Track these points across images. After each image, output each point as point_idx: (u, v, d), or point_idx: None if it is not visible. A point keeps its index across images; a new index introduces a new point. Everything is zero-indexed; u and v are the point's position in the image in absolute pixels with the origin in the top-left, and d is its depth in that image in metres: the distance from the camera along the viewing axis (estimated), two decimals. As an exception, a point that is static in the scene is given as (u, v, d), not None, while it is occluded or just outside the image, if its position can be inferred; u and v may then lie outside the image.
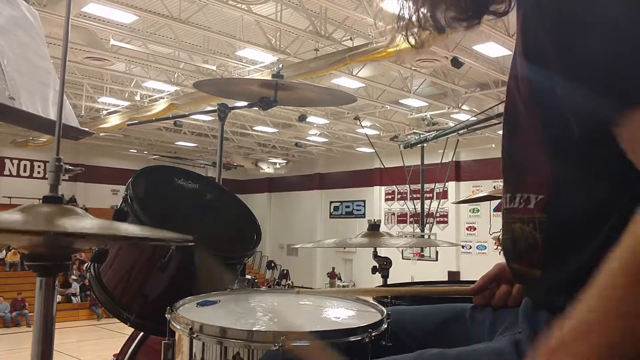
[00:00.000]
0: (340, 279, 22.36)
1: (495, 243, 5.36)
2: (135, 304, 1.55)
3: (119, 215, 1.53)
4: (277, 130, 18.59)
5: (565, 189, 0.75)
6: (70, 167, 1.02)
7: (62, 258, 0.95)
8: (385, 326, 1.15)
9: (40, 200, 0.99)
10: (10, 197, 20.11)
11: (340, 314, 1.34)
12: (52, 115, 1.45)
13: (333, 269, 22.71)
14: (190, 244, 1.45)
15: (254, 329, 1.11)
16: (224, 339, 1.08)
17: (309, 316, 1.34)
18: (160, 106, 14.18)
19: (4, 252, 18.67)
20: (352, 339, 1.08)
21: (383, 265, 2.06)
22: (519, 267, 0.85)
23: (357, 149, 21.01)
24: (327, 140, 20.29)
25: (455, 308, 1.20)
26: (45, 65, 1.57)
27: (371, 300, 1.43)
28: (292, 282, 22.26)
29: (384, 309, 1.24)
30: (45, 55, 1.58)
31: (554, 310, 0.76)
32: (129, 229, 1.21)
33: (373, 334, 1.10)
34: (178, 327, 1.16)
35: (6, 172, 21.57)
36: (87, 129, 1.65)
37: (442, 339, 1.06)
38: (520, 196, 0.82)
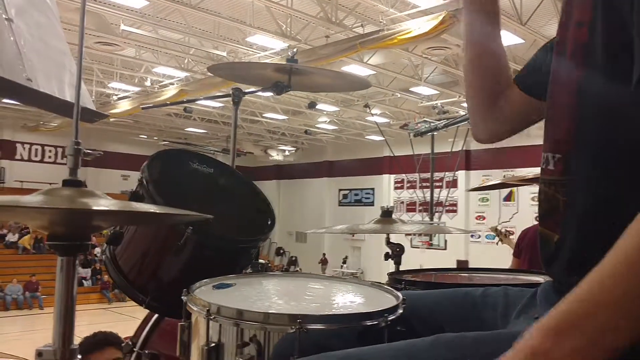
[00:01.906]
0: (345, 263, 22.46)
1: (495, 235, 5.32)
2: (150, 286, 1.56)
3: (135, 198, 1.54)
4: (287, 118, 18.56)
5: (585, 149, 0.75)
6: (89, 151, 1.03)
7: (82, 238, 0.96)
8: (401, 311, 1.15)
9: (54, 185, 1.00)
10: (22, 181, 20.28)
11: (355, 299, 1.34)
12: (67, 96, 1.45)
13: (324, 254, 22.84)
14: (206, 226, 1.46)
15: (270, 311, 1.12)
16: (241, 321, 1.08)
17: (325, 300, 1.34)
18: (170, 92, 14.18)
19: (17, 235, 18.87)
20: (368, 323, 1.09)
21: (396, 252, 2.06)
22: (542, 230, 0.85)
23: (367, 136, 20.96)
24: (336, 127, 20.24)
25: (467, 292, 1.20)
26: (61, 46, 1.56)
27: (386, 286, 1.43)
28: (300, 269, 22.36)
29: (399, 294, 1.24)
30: (60, 36, 1.58)
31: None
32: (148, 207, 1.22)
33: (389, 318, 1.10)
34: (195, 308, 1.16)
35: (17, 156, 21.72)
36: (102, 112, 1.65)
37: (455, 324, 1.06)
38: (546, 156, 0.83)
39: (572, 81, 0.78)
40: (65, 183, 0.96)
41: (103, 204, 0.91)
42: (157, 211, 1.09)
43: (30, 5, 1.42)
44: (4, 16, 1.25)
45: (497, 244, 5.39)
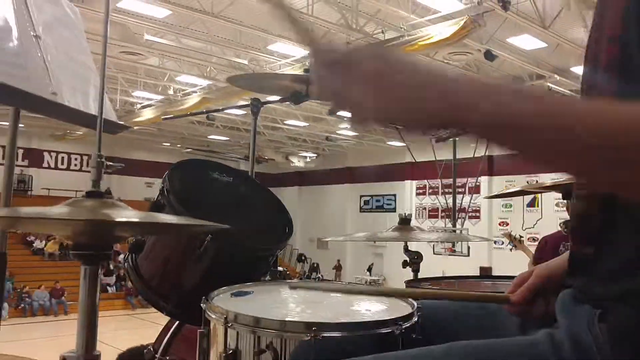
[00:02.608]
0: (369, 270, 22.36)
1: (509, 241, 5.25)
2: (171, 293, 1.59)
3: (156, 207, 1.58)
4: (308, 124, 18.63)
5: None
6: (111, 164, 1.07)
7: (105, 247, 0.99)
8: (416, 319, 1.16)
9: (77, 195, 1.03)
10: (48, 189, 20.69)
11: (371, 306, 1.35)
12: (92, 109, 1.49)
13: (338, 261, 22.82)
14: (225, 235, 1.48)
15: (287, 319, 1.14)
16: (258, 329, 1.10)
17: (341, 307, 1.35)
18: (192, 100, 14.36)
19: (44, 242, 19.23)
20: (383, 330, 1.10)
21: (414, 260, 2.07)
22: (573, 245, 0.85)
23: (388, 142, 20.91)
24: (357, 134, 20.25)
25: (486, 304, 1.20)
26: (86, 60, 1.61)
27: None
28: (321, 276, 22.25)
29: (414, 302, 1.25)
30: (85, 50, 1.63)
31: (599, 302, 0.76)
32: (167, 217, 1.25)
33: (404, 326, 1.11)
34: (213, 316, 1.19)
35: (45, 164, 22.18)
36: (124, 123, 1.69)
37: (472, 333, 1.06)
38: None
39: (606, 96, 0.78)
40: (89, 195, 1.00)
41: (124, 215, 0.95)
42: (177, 222, 1.12)
43: (57, 21, 1.47)
44: (32, 33, 1.30)
45: (511, 250, 5.33)
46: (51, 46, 1.41)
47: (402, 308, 1.25)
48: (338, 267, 22.82)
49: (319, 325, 1.06)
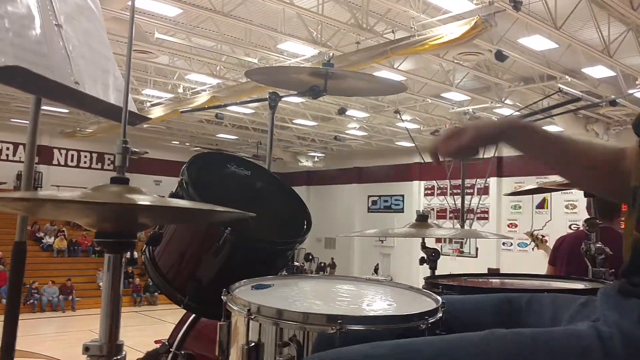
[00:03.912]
0: (376, 272, 22.34)
1: (531, 240, 5.24)
2: (188, 287, 1.58)
3: (174, 198, 1.57)
4: (317, 124, 18.60)
5: None
6: (136, 150, 1.06)
7: (129, 235, 0.98)
8: (441, 315, 1.14)
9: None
10: (58, 186, 20.78)
11: (392, 301, 1.34)
12: (112, 99, 1.49)
13: (332, 259, 22.94)
14: (244, 228, 1.47)
15: (310, 311, 1.12)
16: (281, 321, 1.09)
17: (363, 302, 1.34)
18: (202, 99, 14.37)
19: (52, 238, 19.34)
20: (409, 325, 1.08)
21: (431, 257, 2.05)
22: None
23: (397, 143, 20.85)
24: (366, 134, 20.20)
25: (512, 299, 1.18)
26: (106, 52, 1.61)
27: (423, 289, 1.42)
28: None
29: (439, 297, 1.23)
30: (105, 42, 1.63)
31: None
32: (193, 204, 1.24)
33: (430, 321, 1.10)
34: (235, 308, 1.18)
35: (55, 161, 22.28)
36: (144, 115, 1.69)
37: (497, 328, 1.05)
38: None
39: None
40: (113, 180, 0.99)
41: (150, 200, 0.94)
42: (202, 207, 1.11)
43: (79, 12, 1.47)
44: (54, 22, 1.30)
45: (532, 249, 5.33)
46: (72, 36, 1.40)
47: (425, 303, 1.23)
48: (332, 265, 22.87)
49: (343, 318, 1.04)
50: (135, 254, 16.20)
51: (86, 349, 1.00)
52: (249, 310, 1.12)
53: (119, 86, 1.50)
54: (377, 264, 22.37)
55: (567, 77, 11.64)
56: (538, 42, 10.25)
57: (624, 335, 0.74)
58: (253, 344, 1.12)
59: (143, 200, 0.93)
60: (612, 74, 11.29)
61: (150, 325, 13.37)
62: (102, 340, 1.00)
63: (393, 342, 0.88)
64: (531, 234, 5.37)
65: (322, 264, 23.72)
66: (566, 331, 0.85)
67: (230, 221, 1.44)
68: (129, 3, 8.89)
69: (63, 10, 1.38)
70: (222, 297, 1.24)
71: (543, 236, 5.40)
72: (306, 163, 24.41)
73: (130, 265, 17.27)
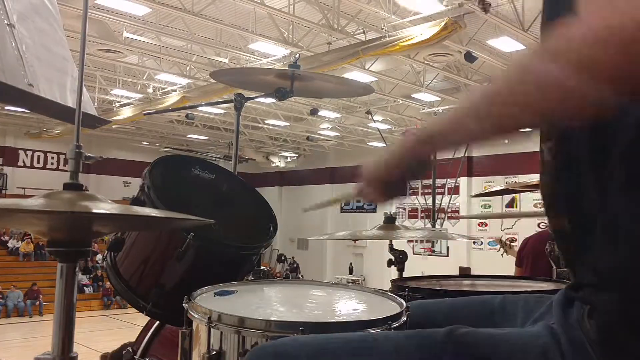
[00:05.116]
0: (351, 272, 22.40)
1: (500, 247, 5.33)
2: (151, 293, 1.55)
3: (136, 204, 1.53)
4: (289, 124, 18.56)
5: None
6: (90, 155, 1.02)
7: (83, 244, 0.95)
8: (405, 319, 1.14)
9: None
10: (24, 188, 20.27)
11: (358, 306, 1.33)
12: (69, 102, 1.44)
13: (293, 257, 22.99)
14: (208, 233, 1.44)
15: (272, 318, 1.11)
16: (243, 329, 1.07)
17: (327, 307, 1.32)
18: (172, 99, 14.19)
19: (19, 242, 18.86)
20: (372, 330, 1.07)
21: (399, 259, 2.05)
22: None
23: (369, 143, 20.94)
24: (338, 134, 20.23)
25: (484, 301, 1.19)
26: (63, 52, 1.56)
27: (389, 293, 1.42)
28: (302, 276, 22.28)
29: (402, 301, 1.23)
30: (62, 42, 1.58)
31: (587, 302, 0.77)
32: (149, 211, 1.20)
33: (393, 325, 1.09)
34: (196, 316, 1.15)
35: (20, 163, 21.72)
36: (103, 117, 1.64)
37: None
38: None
39: None
40: (66, 187, 0.95)
41: (104, 208, 0.90)
42: (159, 215, 1.07)
43: (33, 11, 1.42)
44: (5, 22, 1.25)
45: (502, 255, 5.40)
46: (26, 36, 1.35)
47: (390, 307, 1.22)
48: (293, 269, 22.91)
49: (305, 325, 1.03)
50: (91, 263, 15.86)
51: (38, 362, 0.96)
52: (209, 318, 1.10)
53: (77, 87, 1.45)
54: (351, 264, 22.43)
55: (534, 78, 11.84)
56: (506, 44, 10.41)
57: (568, 335, 0.78)
58: (215, 352, 1.10)
59: (97, 208, 0.90)
60: (578, 75, 11.53)
61: (120, 329, 13.15)
62: (54, 353, 0.96)
63: (348, 335, 0.88)
64: (500, 240, 5.45)
65: (295, 265, 23.67)
66: (522, 332, 0.87)
67: (193, 227, 1.41)
68: (96, 1, 8.73)
69: (16, 9, 1.33)
70: (184, 304, 1.21)
71: (511, 241, 5.48)
72: (279, 163, 24.33)
73: (85, 275, 16.98)
